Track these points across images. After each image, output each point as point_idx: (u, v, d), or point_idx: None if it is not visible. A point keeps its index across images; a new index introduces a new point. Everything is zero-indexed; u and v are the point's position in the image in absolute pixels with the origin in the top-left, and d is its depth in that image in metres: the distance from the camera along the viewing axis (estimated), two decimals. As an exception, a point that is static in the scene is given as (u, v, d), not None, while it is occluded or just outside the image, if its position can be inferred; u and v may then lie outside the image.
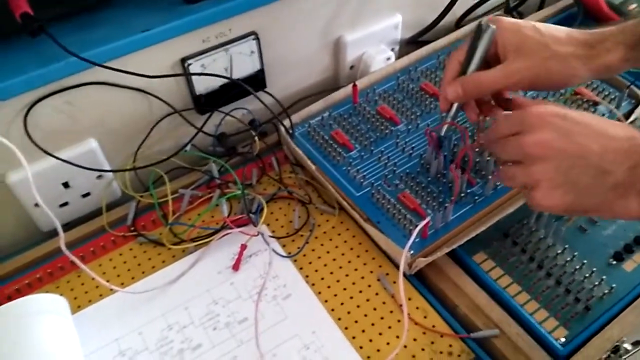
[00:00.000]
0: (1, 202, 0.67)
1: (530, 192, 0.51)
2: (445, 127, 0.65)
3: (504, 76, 0.58)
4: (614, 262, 0.63)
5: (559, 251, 0.64)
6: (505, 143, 0.53)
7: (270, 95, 0.77)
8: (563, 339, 0.57)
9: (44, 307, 0.56)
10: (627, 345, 0.57)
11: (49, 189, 0.67)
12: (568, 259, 0.63)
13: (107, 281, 0.61)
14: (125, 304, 0.62)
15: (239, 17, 0.69)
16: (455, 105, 0.63)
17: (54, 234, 0.63)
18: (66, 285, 0.64)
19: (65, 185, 0.69)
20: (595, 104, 0.76)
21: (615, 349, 0.57)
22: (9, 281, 0.64)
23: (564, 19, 0.94)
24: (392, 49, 0.90)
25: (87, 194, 0.71)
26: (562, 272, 0.62)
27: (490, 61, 0.60)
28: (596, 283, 0.61)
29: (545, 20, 0.93)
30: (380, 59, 0.86)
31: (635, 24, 0.57)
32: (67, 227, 0.69)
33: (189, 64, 0.69)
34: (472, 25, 0.89)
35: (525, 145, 0.50)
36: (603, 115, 0.75)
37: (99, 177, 0.71)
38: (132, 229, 0.69)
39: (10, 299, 0.62)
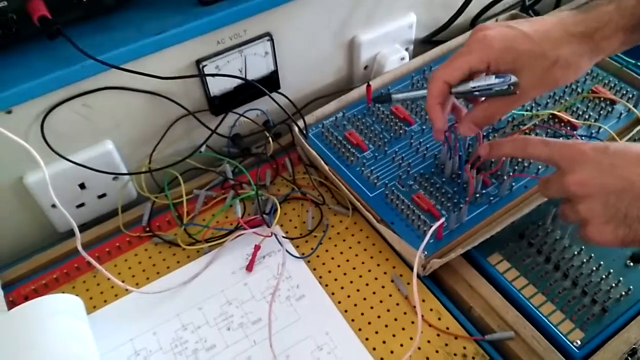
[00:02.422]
0: (19, 203, 0.67)
1: (584, 229, 0.51)
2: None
3: (512, 102, 0.57)
4: (632, 264, 0.62)
5: (576, 252, 0.63)
6: (548, 183, 0.54)
7: (284, 96, 0.78)
8: (579, 342, 0.56)
9: (60, 308, 0.56)
10: (645, 348, 0.56)
11: (66, 190, 0.68)
12: (585, 260, 0.62)
13: (123, 281, 0.61)
14: (140, 304, 0.62)
15: (254, 18, 0.70)
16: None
17: (70, 234, 0.63)
18: (82, 286, 0.65)
19: (82, 186, 0.69)
20: (613, 102, 0.75)
21: (633, 352, 0.56)
22: (26, 281, 0.65)
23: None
24: (407, 49, 0.89)
25: (103, 195, 0.72)
26: (579, 273, 0.61)
27: None
28: (613, 285, 0.60)
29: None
30: (395, 59, 0.85)
31: (634, 6, 0.54)
32: (83, 227, 0.70)
33: (204, 66, 0.69)
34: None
35: (568, 185, 0.50)
36: (620, 114, 0.74)
37: (115, 178, 0.71)
38: (148, 229, 0.69)
39: (27, 299, 0.63)
